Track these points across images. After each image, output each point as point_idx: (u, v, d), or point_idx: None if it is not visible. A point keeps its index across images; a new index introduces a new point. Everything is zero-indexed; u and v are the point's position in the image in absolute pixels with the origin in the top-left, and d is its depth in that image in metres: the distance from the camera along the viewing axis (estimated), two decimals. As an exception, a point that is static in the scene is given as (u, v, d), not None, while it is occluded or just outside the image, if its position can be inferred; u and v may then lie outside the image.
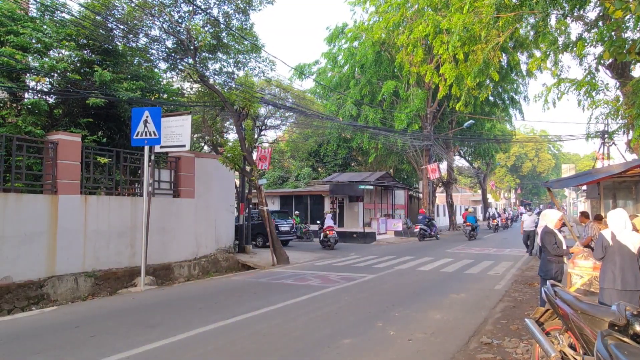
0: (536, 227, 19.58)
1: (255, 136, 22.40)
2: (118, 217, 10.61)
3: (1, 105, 10.67)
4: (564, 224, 10.11)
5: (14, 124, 9.93)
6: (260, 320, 6.95)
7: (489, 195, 51.68)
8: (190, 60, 13.51)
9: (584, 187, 18.34)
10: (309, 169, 32.53)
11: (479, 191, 52.17)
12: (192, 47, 13.30)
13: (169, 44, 13.99)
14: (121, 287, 10.17)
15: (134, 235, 10.85)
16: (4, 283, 8.21)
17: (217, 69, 15.17)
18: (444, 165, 34.47)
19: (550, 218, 6.88)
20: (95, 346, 5.66)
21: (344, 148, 31.47)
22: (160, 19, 13.20)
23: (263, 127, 25.85)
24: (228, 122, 25.78)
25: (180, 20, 13.52)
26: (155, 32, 13.68)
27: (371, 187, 25.91)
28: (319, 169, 34.03)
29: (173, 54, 13.93)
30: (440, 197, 41.05)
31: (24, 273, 8.59)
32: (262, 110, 24.34)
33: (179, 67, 14.54)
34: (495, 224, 31.83)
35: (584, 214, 10.45)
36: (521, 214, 33.96)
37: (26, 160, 9.23)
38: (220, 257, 13.50)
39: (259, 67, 15.94)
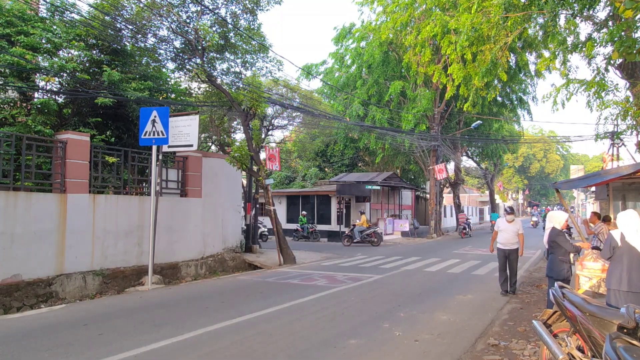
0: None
1: (263, 136, 22.46)
2: (126, 216, 10.68)
3: (11, 104, 10.77)
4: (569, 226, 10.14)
5: (24, 124, 10.02)
6: (267, 319, 6.97)
7: (496, 196, 51.36)
8: (198, 60, 13.56)
9: (593, 189, 18.16)
10: (316, 169, 32.52)
11: (487, 192, 51.87)
12: (199, 47, 13.36)
13: (177, 44, 14.06)
14: (129, 285, 10.24)
15: (142, 234, 10.91)
16: (13, 281, 8.29)
17: (225, 69, 15.23)
18: (451, 166, 34.40)
19: (558, 220, 6.97)
20: (103, 344, 5.70)
21: (351, 148, 31.41)
22: (169, 19, 13.27)
23: (270, 127, 25.90)
24: (235, 122, 25.89)
25: (188, 21, 13.59)
26: (163, 32, 13.76)
27: (378, 187, 25.84)
28: (326, 169, 34.00)
29: (181, 54, 13.99)
30: (448, 198, 40.89)
31: (33, 271, 8.67)
32: (270, 110, 24.42)
33: (187, 67, 14.60)
34: None
35: (596, 214, 10.56)
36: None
37: (35, 159, 9.31)
38: (227, 256, 13.54)
39: (267, 67, 15.99)
